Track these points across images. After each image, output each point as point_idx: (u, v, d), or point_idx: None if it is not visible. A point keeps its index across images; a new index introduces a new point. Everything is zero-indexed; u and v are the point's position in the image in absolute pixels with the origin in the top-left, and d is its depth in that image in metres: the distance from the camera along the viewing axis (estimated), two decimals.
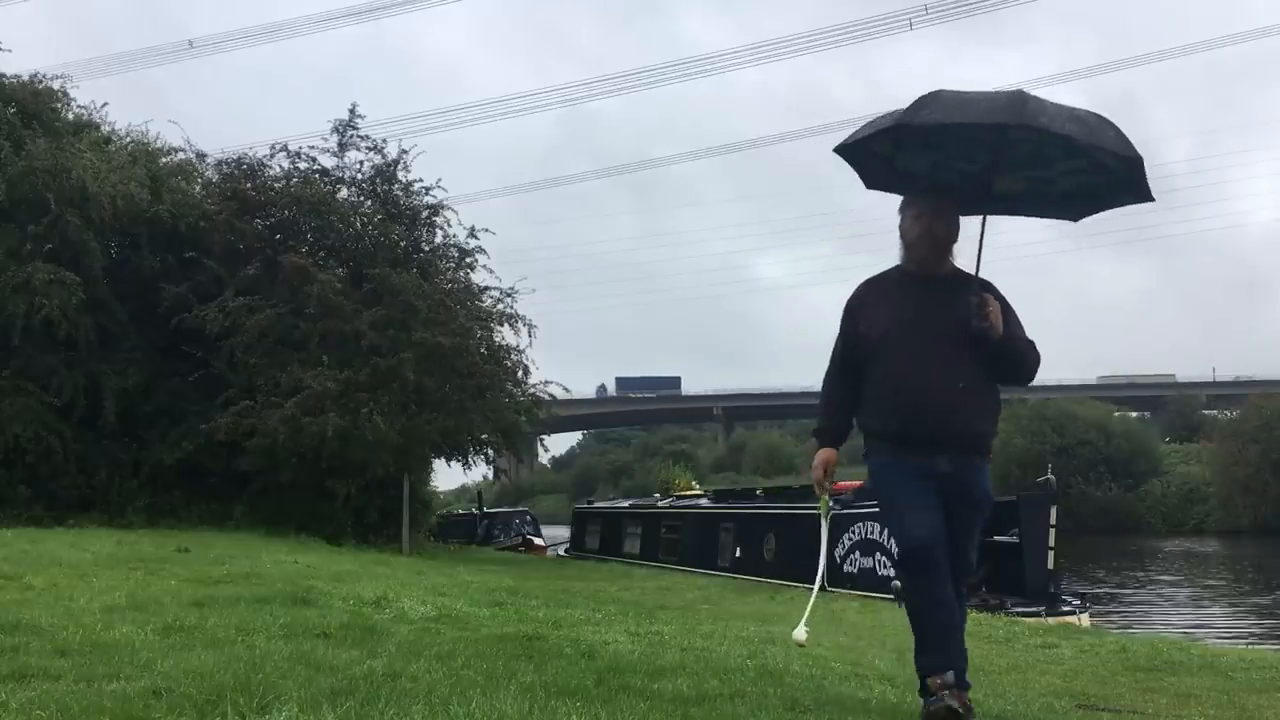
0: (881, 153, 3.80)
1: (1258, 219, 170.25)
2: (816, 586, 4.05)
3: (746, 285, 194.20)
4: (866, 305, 3.75)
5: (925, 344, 3.56)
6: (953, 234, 3.70)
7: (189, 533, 12.89)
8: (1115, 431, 54.63)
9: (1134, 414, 69.36)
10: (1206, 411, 70.74)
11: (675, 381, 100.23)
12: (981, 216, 3.73)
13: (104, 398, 15.20)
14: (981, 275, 3.69)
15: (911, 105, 3.46)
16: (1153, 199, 3.69)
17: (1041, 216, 4.17)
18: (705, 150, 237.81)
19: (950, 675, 3.42)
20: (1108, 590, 22.22)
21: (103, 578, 6.72)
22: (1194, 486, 53.38)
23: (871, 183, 3.96)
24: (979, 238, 3.68)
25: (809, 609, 3.74)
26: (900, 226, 3.75)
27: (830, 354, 3.85)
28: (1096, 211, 3.95)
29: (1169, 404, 74.18)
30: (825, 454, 3.74)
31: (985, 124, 3.47)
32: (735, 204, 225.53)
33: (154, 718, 2.89)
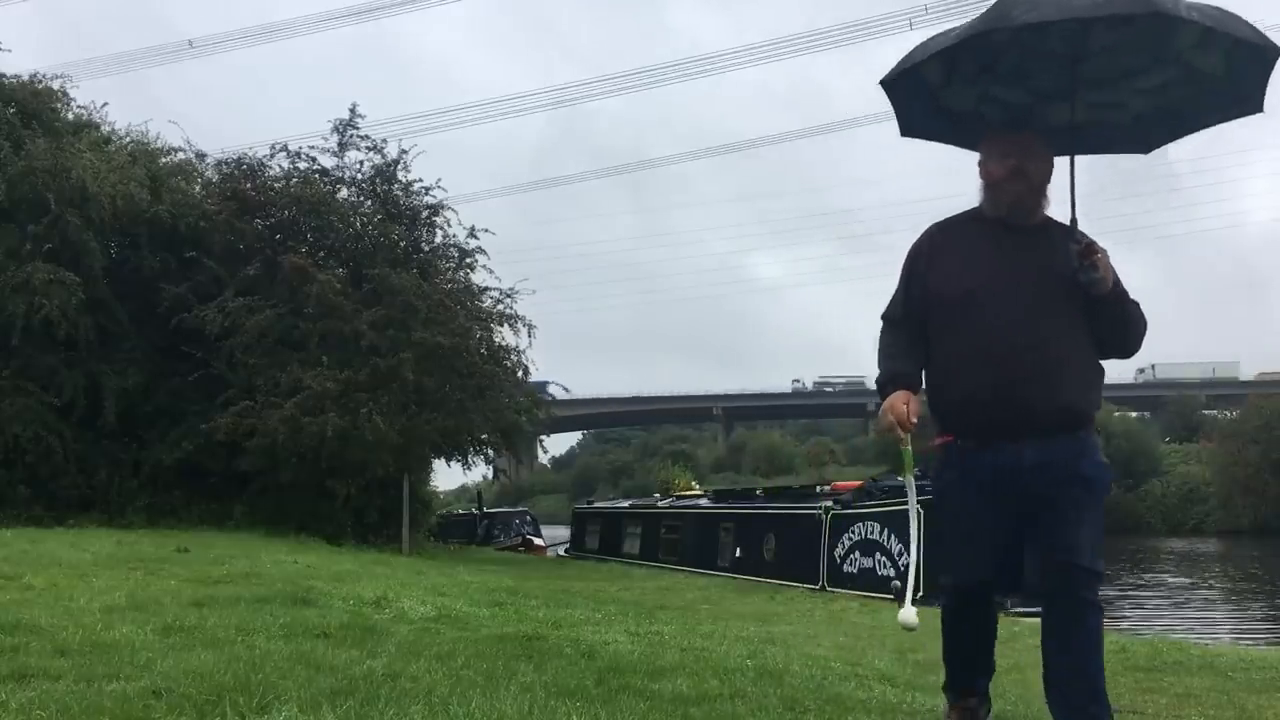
0: (931, 83, 3.25)
1: (1257, 219, 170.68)
2: (914, 562, 3.55)
3: (746, 285, 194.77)
4: (940, 254, 3.18)
5: (1017, 304, 3.01)
6: (1047, 175, 3.14)
7: (189, 533, 12.88)
8: (1115, 431, 54.65)
9: (1134, 414, 69.45)
10: (1206, 412, 70.78)
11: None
12: (1070, 154, 3.18)
13: (104, 398, 15.20)
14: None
15: (992, 10, 2.89)
16: (1262, 109, 3.14)
17: (1108, 151, 3.54)
18: (704, 150, 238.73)
19: (974, 701, 3.32)
20: (1107, 590, 22.22)
21: (103, 578, 6.71)
22: (1194, 486, 53.49)
23: (909, 126, 3.39)
24: (1070, 175, 3.14)
25: (910, 589, 3.30)
26: (982, 167, 3.19)
27: (885, 310, 3.29)
28: (1176, 137, 3.39)
29: (1169, 404, 74.26)
30: (901, 394, 3.08)
31: (1093, 18, 2.88)
32: (734, 204, 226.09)
33: (154, 718, 2.89)
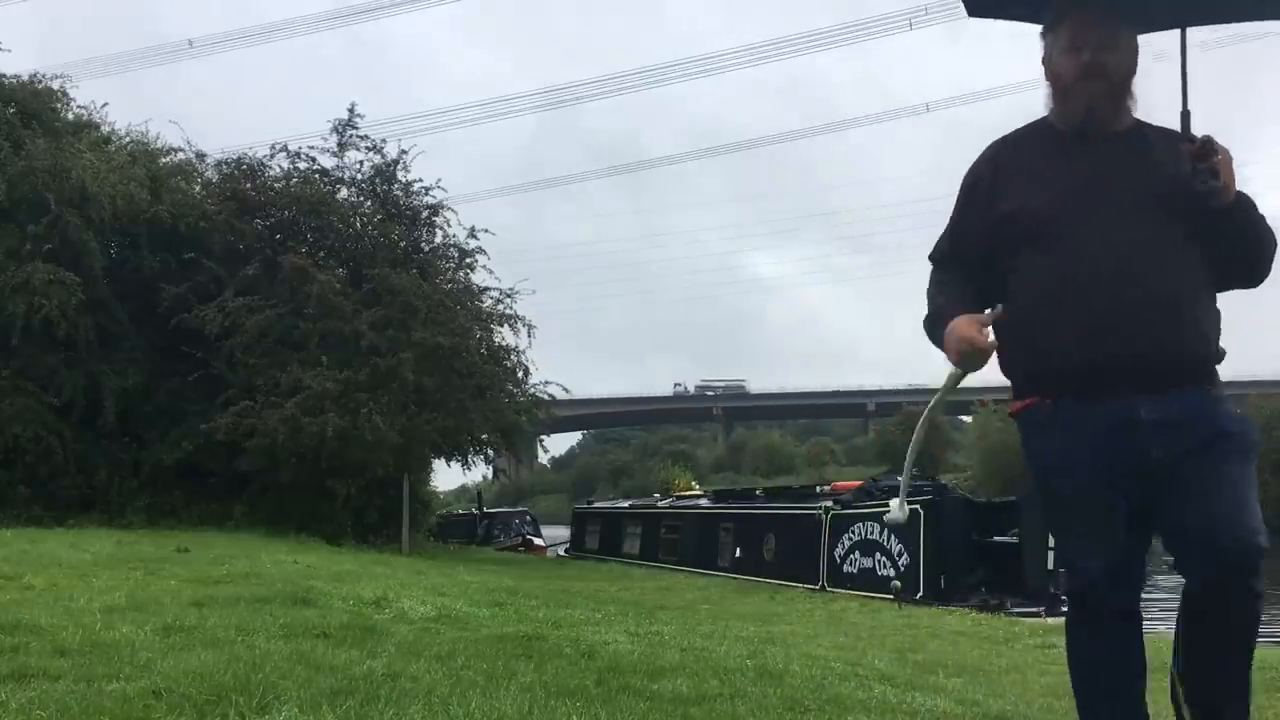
0: None
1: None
2: None
3: (745, 285, 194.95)
4: (1007, 176, 2.54)
5: (1108, 227, 2.38)
6: (1132, 67, 2.49)
7: (189, 533, 12.89)
8: None
9: None
10: None
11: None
12: (1180, 28, 2.53)
13: (104, 398, 15.21)
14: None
15: None
16: None
17: (1245, 19, 2.84)
18: (704, 150, 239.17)
19: None
20: None
21: (103, 578, 6.71)
22: None
23: (978, 4, 2.75)
24: (1181, 56, 2.52)
25: None
26: (1045, 65, 2.54)
27: (931, 250, 2.70)
28: None
29: None
30: (962, 319, 2.43)
31: None
32: (734, 204, 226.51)
33: (154, 718, 2.88)
